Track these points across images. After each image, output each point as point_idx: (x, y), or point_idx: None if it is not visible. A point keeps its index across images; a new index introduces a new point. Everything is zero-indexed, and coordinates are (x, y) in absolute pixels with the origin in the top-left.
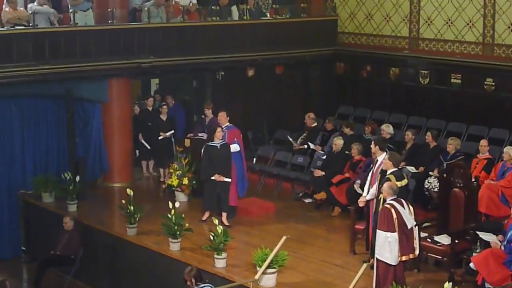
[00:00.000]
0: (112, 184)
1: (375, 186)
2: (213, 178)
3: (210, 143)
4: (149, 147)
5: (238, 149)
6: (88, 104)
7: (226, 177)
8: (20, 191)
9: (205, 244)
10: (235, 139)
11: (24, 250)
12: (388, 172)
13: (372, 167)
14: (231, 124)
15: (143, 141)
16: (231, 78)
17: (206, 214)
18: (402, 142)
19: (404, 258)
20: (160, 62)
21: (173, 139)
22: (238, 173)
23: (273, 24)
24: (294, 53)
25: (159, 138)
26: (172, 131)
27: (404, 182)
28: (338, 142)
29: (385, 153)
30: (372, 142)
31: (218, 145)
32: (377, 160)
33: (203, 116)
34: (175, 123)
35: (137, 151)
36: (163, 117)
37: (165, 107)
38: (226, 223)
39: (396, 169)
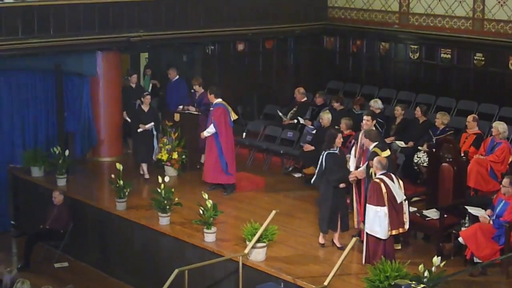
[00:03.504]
0: (102, 159)
1: (365, 164)
2: (341, 185)
3: (331, 151)
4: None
5: (214, 130)
6: (77, 78)
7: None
8: (9, 165)
9: (194, 218)
10: (212, 118)
11: (13, 224)
12: (371, 147)
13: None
14: (220, 103)
15: (127, 118)
16: (221, 52)
17: (324, 236)
18: (392, 117)
19: (394, 232)
20: (149, 36)
21: (154, 132)
22: (219, 155)
23: None
24: (284, 27)
25: (138, 130)
26: (153, 123)
27: (387, 153)
28: (325, 117)
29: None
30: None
31: (337, 151)
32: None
33: (192, 91)
34: (157, 114)
35: None
36: (145, 108)
37: (148, 97)
38: (338, 245)
39: (377, 142)
